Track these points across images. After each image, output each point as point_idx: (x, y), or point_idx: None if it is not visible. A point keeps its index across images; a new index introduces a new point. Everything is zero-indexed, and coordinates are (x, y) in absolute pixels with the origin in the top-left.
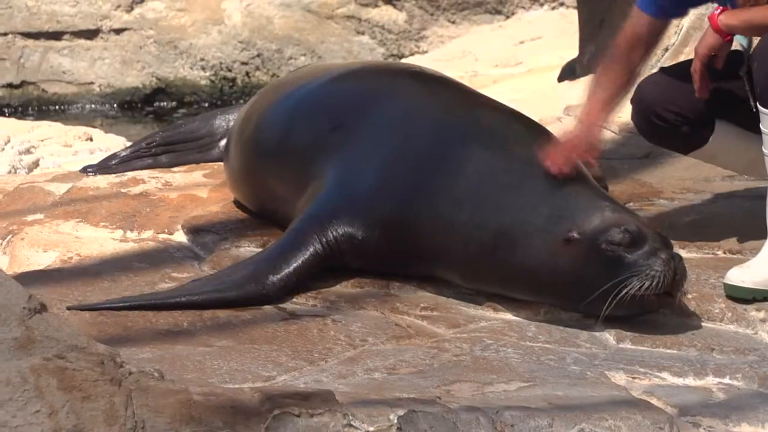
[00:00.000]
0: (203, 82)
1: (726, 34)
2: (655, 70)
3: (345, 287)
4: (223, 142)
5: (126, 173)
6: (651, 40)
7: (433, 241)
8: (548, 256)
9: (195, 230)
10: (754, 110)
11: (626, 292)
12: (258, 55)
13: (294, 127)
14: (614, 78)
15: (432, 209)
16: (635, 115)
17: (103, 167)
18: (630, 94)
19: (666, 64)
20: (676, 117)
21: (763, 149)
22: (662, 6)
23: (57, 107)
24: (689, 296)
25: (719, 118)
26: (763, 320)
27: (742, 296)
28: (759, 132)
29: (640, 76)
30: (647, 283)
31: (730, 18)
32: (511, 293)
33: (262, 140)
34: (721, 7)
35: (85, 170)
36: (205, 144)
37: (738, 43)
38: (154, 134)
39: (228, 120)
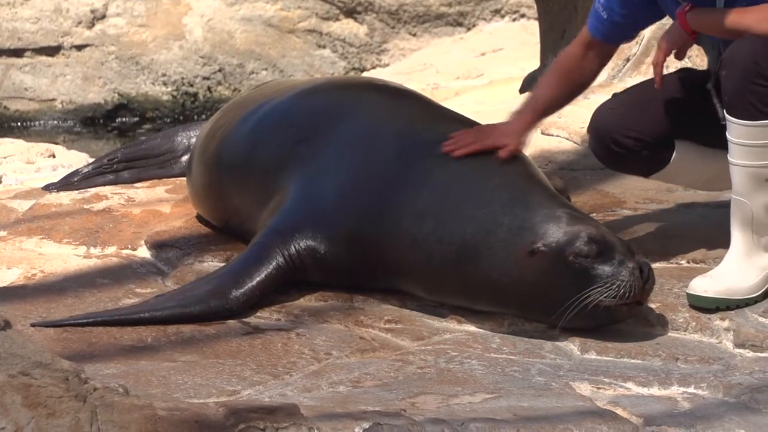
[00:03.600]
0: (165, 98)
1: (693, 32)
2: (612, 91)
3: (309, 301)
4: (184, 158)
5: (89, 189)
6: (599, 60)
7: (397, 255)
8: (512, 267)
9: (158, 245)
10: (723, 122)
11: (595, 304)
12: (219, 70)
13: (258, 141)
14: (555, 85)
15: (395, 222)
16: (593, 142)
17: (66, 184)
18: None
19: (627, 75)
20: (636, 142)
21: (729, 158)
22: (608, 34)
23: (19, 124)
24: (653, 306)
25: (678, 138)
26: (727, 329)
27: (705, 306)
28: (719, 147)
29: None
30: (615, 294)
31: (698, 17)
32: (475, 305)
33: (227, 155)
34: (690, 4)
35: (47, 188)
36: (167, 160)
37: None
38: (116, 150)
39: (189, 136)
